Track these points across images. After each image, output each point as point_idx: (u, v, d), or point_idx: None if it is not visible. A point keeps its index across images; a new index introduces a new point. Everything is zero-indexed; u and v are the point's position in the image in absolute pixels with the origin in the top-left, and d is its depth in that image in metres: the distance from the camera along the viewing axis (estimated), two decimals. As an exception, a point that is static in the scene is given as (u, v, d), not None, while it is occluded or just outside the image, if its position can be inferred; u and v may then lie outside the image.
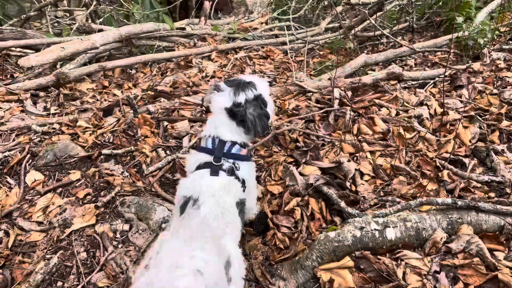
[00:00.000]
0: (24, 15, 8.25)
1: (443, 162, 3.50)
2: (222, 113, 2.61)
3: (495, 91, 4.52)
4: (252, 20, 9.73)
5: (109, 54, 7.36)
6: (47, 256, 3.00)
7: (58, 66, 6.42)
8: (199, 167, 2.51)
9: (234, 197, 2.44)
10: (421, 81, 5.12)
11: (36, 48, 6.69)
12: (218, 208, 2.29)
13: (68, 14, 10.04)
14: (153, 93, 5.37)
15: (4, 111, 4.97)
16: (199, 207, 2.26)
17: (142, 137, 4.28)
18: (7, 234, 3.21)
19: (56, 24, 8.91)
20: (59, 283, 2.83)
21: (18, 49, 7.02)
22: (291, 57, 6.76)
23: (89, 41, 5.95)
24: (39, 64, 5.41)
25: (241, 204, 2.51)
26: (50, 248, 3.09)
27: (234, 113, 2.58)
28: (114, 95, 5.65)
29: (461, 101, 4.40)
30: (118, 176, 3.78)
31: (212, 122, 2.67)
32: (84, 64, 6.47)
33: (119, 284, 2.77)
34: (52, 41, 6.48)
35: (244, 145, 2.68)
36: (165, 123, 4.46)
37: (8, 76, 6.33)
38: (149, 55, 6.75)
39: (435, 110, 4.28)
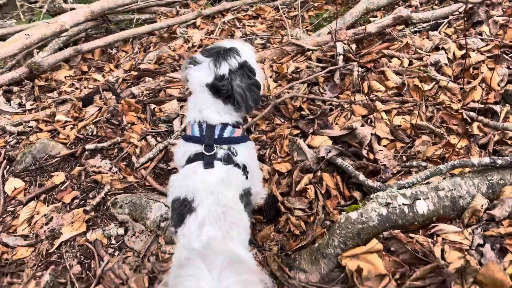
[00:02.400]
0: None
1: (471, 113, 3.24)
2: (203, 91, 2.31)
3: (518, 23, 4.20)
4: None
5: (86, 35, 7.04)
6: (38, 274, 2.84)
7: (35, 55, 6.11)
8: (189, 160, 2.25)
9: (236, 190, 2.18)
10: (433, 22, 4.77)
11: (5, 39, 6.38)
12: (218, 208, 2.03)
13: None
14: (136, 73, 5.10)
15: (-25, 113, 4.74)
16: (195, 210, 2.02)
17: (128, 125, 4.05)
18: (-9, 253, 3.03)
19: (28, 9, 8.56)
20: (54, 304, 2.67)
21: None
22: (284, 13, 6.43)
23: (56, 23, 5.60)
24: (3, 57, 5.11)
25: (246, 196, 2.27)
26: (40, 264, 2.92)
27: (218, 88, 2.28)
28: (95, 80, 5.38)
29: (483, 39, 4.08)
30: (107, 173, 3.57)
31: (194, 104, 2.38)
32: (61, 49, 6.17)
33: (120, 298, 2.58)
34: (20, 29, 6.16)
35: (237, 125, 2.41)
36: (152, 106, 4.21)
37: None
38: (128, 30, 6.42)
39: (454, 53, 3.97)
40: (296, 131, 3.52)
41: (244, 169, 2.31)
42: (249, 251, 2.13)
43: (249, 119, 3.65)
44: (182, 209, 2.07)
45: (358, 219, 2.40)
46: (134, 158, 3.66)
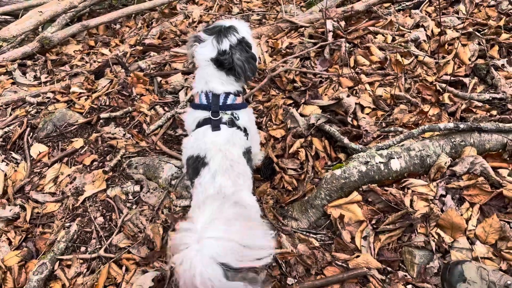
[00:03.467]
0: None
1: (443, 85, 3.60)
2: (209, 65, 2.66)
3: (492, 2, 4.52)
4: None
5: (90, 11, 7.25)
6: (66, 225, 3.18)
7: (40, 30, 6.37)
8: (199, 125, 2.62)
9: (240, 148, 2.56)
10: (416, 0, 5.08)
11: (15, 14, 6.62)
12: (227, 161, 2.41)
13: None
14: (141, 48, 5.39)
15: (-5, 86, 5.03)
16: (208, 164, 2.39)
17: (138, 96, 4.36)
18: (23, 208, 3.37)
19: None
20: (82, 248, 3.02)
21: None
22: (279, -10, 6.64)
23: (66, 0, 5.88)
24: (20, 33, 5.40)
25: (248, 153, 2.64)
26: (67, 216, 3.26)
27: (221, 62, 2.62)
28: (103, 54, 5.67)
29: (459, 18, 4.41)
30: (121, 138, 3.89)
31: (201, 76, 2.73)
32: (67, 25, 6.40)
33: (139, 243, 2.94)
34: (29, 5, 6.40)
35: (238, 94, 2.76)
36: (159, 78, 4.52)
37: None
38: (131, 7, 6.64)
39: (432, 31, 4.32)
40: (290, 101, 3.86)
41: (245, 131, 2.69)
42: (252, 195, 2.53)
43: (248, 91, 3.98)
44: (197, 164, 2.46)
45: (342, 175, 2.80)
46: (145, 126, 3.99)
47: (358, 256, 2.54)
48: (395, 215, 2.64)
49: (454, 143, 2.89)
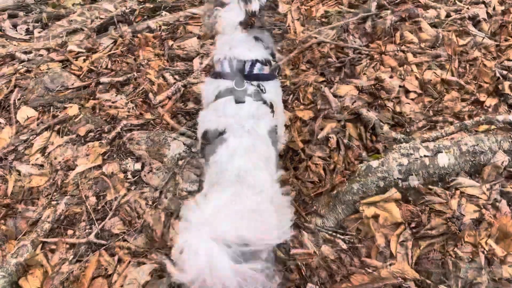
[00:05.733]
0: None
1: (504, 72, 3.51)
2: (236, 29, 2.65)
3: None
4: None
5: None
6: (53, 203, 3.17)
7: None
8: (219, 96, 2.57)
9: (265, 126, 2.50)
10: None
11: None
12: (249, 140, 2.36)
13: None
14: (152, 5, 5.35)
15: (-20, 38, 5.03)
16: (226, 141, 2.34)
17: (145, 61, 4.33)
18: (4, 180, 3.37)
19: None
20: (70, 231, 3.00)
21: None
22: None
23: None
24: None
25: (273, 133, 2.58)
26: (55, 193, 3.25)
27: (251, 25, 2.62)
28: (106, 10, 5.62)
29: (527, -5, 4.31)
30: (122, 108, 3.87)
31: (225, 43, 2.70)
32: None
33: (136, 230, 2.92)
34: None
35: (266, 62, 2.72)
36: (170, 42, 4.49)
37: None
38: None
39: (494, 8, 4.21)
40: (322, 79, 3.80)
41: (271, 107, 2.64)
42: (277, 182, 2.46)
43: (273, 63, 3.93)
44: (214, 140, 2.41)
45: (379, 168, 2.75)
46: (151, 95, 3.95)
47: (392, 264, 2.50)
48: (439, 219, 2.59)
49: (515, 139, 2.83)
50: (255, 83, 2.59)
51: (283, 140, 3.27)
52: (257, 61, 2.65)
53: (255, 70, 2.63)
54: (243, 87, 2.54)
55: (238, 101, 2.49)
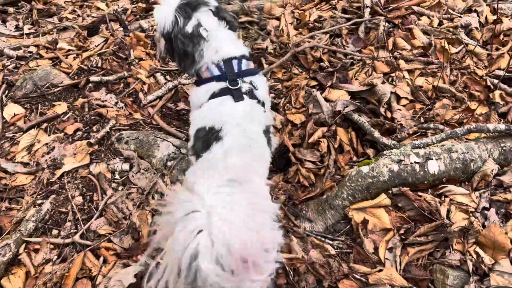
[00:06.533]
0: None
1: (495, 80, 3.53)
2: (220, 28, 2.67)
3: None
4: None
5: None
6: (38, 202, 3.14)
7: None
8: (213, 96, 2.54)
9: (260, 124, 2.50)
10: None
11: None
12: (244, 139, 2.34)
13: None
14: (144, 5, 5.32)
15: (-32, 33, 4.98)
16: (222, 139, 2.32)
17: (136, 60, 4.31)
18: (-12, 177, 3.33)
19: None
20: (55, 231, 2.97)
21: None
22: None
23: None
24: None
25: (267, 133, 2.58)
26: (40, 192, 3.22)
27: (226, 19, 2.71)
28: (98, 8, 5.60)
29: (519, 5, 4.34)
30: (112, 107, 3.85)
31: (207, 48, 2.65)
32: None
33: (122, 231, 2.90)
34: None
35: (249, 58, 2.74)
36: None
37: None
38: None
39: (486, 17, 4.25)
40: (314, 83, 3.81)
41: (263, 105, 2.63)
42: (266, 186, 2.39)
43: (265, 66, 3.93)
44: (209, 137, 2.38)
45: (369, 173, 2.74)
46: (141, 95, 3.94)
47: (380, 270, 2.49)
48: (428, 226, 2.59)
49: (504, 148, 2.84)
50: (247, 79, 2.58)
51: (274, 144, 3.25)
52: (244, 56, 2.66)
53: (243, 67, 2.63)
54: (238, 85, 2.52)
55: (238, 100, 2.48)
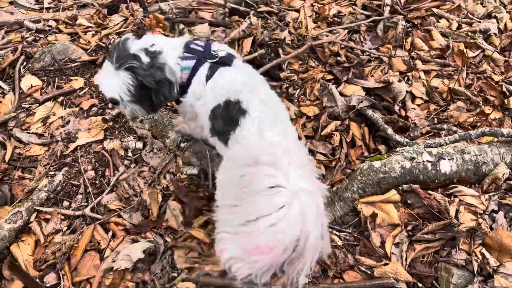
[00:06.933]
0: None
1: (510, 87, 3.55)
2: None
3: None
4: None
5: None
6: (51, 173, 3.17)
7: None
8: (209, 76, 2.44)
9: (264, 84, 2.51)
10: (491, -13, 5.01)
11: None
12: (267, 108, 2.27)
13: None
14: (165, -12, 5.33)
15: (-12, 3, 5.00)
16: (248, 112, 2.22)
17: (155, 41, 4.30)
18: (3, 146, 3.36)
19: None
20: (66, 203, 3.01)
21: None
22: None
23: None
24: None
25: None
26: (53, 164, 3.26)
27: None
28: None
29: (539, 15, 4.35)
30: (128, 86, 3.84)
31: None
32: None
33: (132, 208, 2.93)
34: None
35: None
36: (181, 25, 4.48)
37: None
38: None
39: (505, 24, 4.26)
40: (330, 77, 3.82)
41: None
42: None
43: (282, 56, 3.93)
44: (230, 112, 2.26)
45: (381, 168, 2.77)
46: (157, 75, 3.94)
47: (386, 264, 2.52)
48: (436, 224, 2.61)
49: (517, 153, 2.86)
50: (215, 48, 2.52)
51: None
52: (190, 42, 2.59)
53: (201, 43, 2.58)
54: (218, 55, 2.46)
55: (230, 62, 2.45)
